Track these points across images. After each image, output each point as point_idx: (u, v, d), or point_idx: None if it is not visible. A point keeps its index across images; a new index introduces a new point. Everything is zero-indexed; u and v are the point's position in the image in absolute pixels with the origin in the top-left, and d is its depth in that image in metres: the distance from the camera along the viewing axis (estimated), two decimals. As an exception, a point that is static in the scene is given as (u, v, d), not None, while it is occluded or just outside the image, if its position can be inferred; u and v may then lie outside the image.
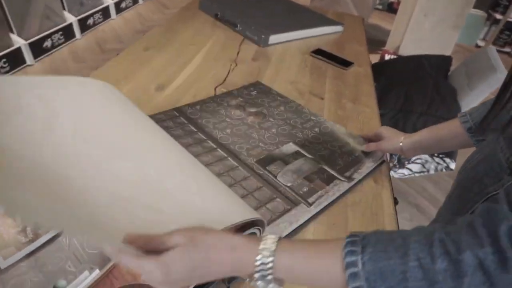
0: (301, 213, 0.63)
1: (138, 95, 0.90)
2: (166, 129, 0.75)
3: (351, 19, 1.62)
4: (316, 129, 0.85)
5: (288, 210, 0.63)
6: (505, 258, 0.33)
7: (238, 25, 1.32)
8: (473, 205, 0.48)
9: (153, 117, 0.78)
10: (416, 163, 1.35)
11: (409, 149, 0.74)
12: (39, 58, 2.45)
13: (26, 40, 2.33)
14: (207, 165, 0.69)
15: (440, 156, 1.30)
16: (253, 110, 0.89)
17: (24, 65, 2.36)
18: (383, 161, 0.80)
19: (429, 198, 1.82)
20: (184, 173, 0.56)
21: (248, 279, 0.40)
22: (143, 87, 0.94)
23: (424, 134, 0.73)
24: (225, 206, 0.52)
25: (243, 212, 0.50)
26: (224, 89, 0.97)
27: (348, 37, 1.43)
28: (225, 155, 0.73)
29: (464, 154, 0.62)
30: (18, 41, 2.30)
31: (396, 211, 0.70)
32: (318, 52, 1.25)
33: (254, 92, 0.96)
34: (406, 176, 1.38)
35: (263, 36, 1.24)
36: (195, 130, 0.78)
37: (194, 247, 0.39)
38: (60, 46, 2.62)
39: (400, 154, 0.78)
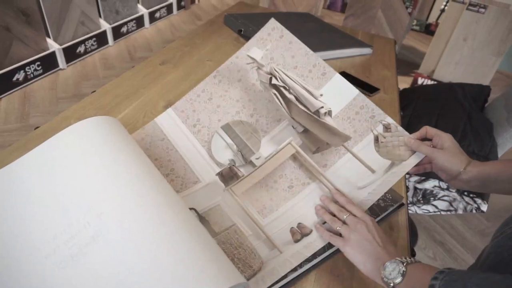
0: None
1: (145, 112, 0.87)
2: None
3: (382, 41, 1.54)
4: None
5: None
6: None
7: (261, 43, 1.27)
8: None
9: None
10: (443, 200, 1.24)
11: (471, 180, 0.58)
12: (71, 63, 2.52)
13: (60, 45, 2.41)
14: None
15: (471, 195, 1.18)
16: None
17: (57, 69, 2.43)
18: (402, 204, 0.72)
19: (456, 237, 1.68)
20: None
21: None
22: (152, 104, 0.91)
23: (496, 166, 0.58)
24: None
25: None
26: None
27: (377, 60, 1.35)
28: None
29: (498, 197, 0.52)
30: (53, 46, 2.38)
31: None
32: (343, 76, 1.17)
33: None
34: (430, 213, 1.27)
35: (285, 55, 1.18)
36: None
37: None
38: (93, 52, 2.68)
39: (447, 182, 0.62)
